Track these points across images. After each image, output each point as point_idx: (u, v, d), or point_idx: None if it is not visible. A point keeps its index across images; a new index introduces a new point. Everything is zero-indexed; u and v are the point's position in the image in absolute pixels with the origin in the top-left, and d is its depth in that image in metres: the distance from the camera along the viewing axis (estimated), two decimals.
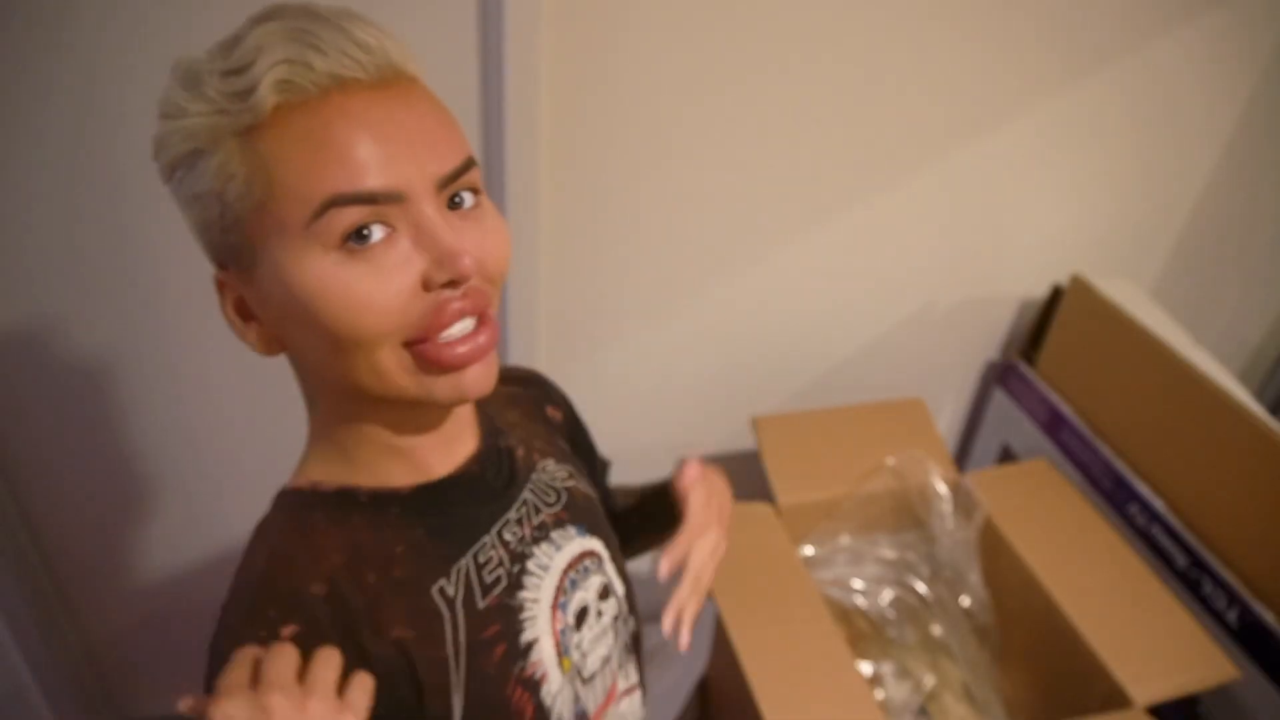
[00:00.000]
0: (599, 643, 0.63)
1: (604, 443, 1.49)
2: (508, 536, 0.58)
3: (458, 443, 0.58)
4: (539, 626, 0.57)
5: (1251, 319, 1.67)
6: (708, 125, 1.12)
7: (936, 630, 1.23)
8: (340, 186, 0.44)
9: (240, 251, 0.47)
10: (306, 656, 0.46)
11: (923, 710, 1.17)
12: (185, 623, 1.45)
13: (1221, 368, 1.24)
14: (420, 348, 0.47)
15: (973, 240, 1.36)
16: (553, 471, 0.65)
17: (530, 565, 0.58)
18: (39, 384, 1.15)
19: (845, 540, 1.25)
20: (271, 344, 0.51)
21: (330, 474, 0.55)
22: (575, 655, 0.60)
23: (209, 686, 0.46)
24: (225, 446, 1.27)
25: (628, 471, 1.45)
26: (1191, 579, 1.16)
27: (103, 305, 1.10)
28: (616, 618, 0.66)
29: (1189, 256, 1.49)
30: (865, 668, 1.19)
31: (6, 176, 0.99)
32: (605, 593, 0.65)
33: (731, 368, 1.38)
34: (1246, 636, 1.08)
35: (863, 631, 1.23)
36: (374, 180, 0.44)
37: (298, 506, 0.54)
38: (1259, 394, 1.64)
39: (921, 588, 1.25)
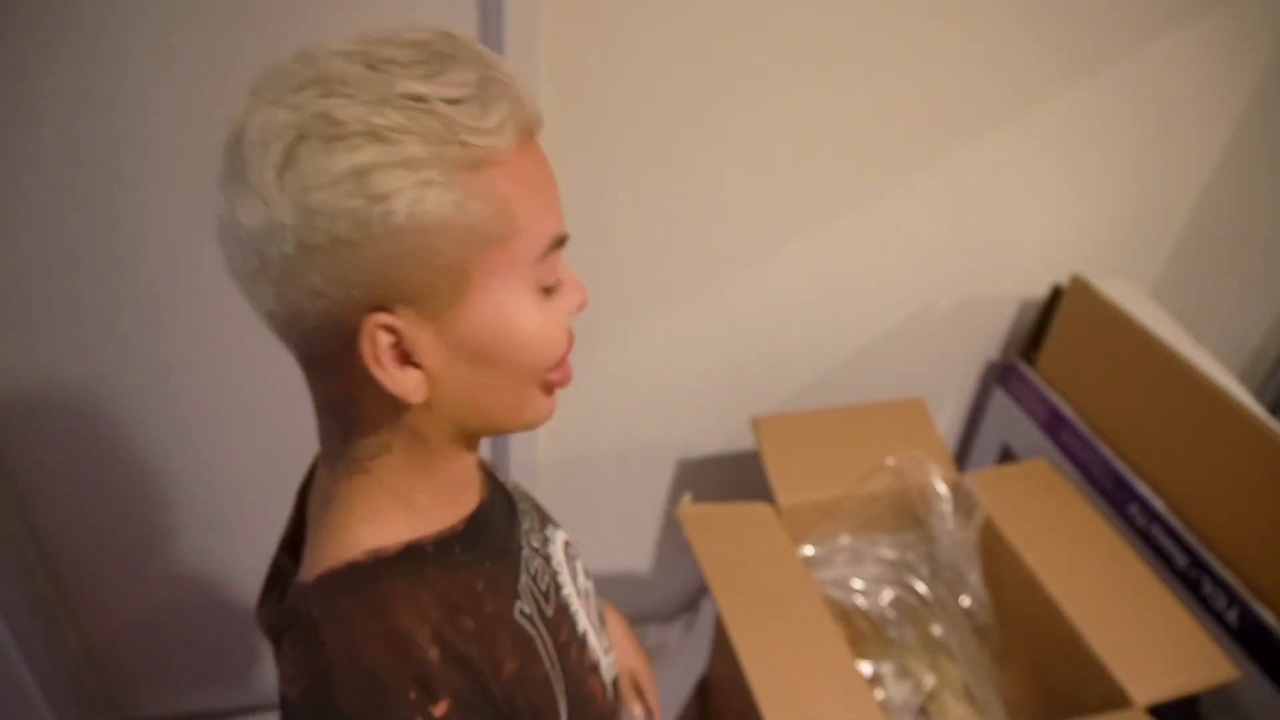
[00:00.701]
0: (595, 616, 0.67)
1: (604, 443, 1.50)
2: (534, 543, 0.60)
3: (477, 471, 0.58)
4: (581, 617, 0.61)
5: (1251, 319, 1.67)
6: (707, 126, 1.12)
7: (936, 630, 1.23)
8: (558, 229, 0.47)
9: (442, 290, 0.44)
10: None
11: (923, 710, 1.17)
12: (185, 623, 1.45)
13: (1221, 368, 1.24)
14: (551, 375, 0.51)
15: (973, 240, 1.36)
16: (504, 476, 0.67)
17: (553, 565, 0.61)
18: (38, 386, 1.15)
19: (845, 540, 1.25)
20: (422, 389, 0.46)
21: (388, 535, 0.51)
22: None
23: None
24: (225, 447, 1.27)
25: (628, 471, 1.45)
26: (1191, 579, 1.16)
27: (102, 307, 1.10)
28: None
29: (1189, 256, 1.49)
30: (865, 668, 1.19)
31: (4, 178, 0.99)
32: (586, 572, 0.68)
33: (731, 368, 1.38)
34: (1246, 636, 1.08)
35: (863, 631, 1.23)
36: (563, 223, 0.48)
37: (366, 581, 0.49)
38: (1259, 394, 1.64)
39: (921, 588, 1.25)
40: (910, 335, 1.44)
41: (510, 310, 0.46)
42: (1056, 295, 1.40)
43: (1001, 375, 1.50)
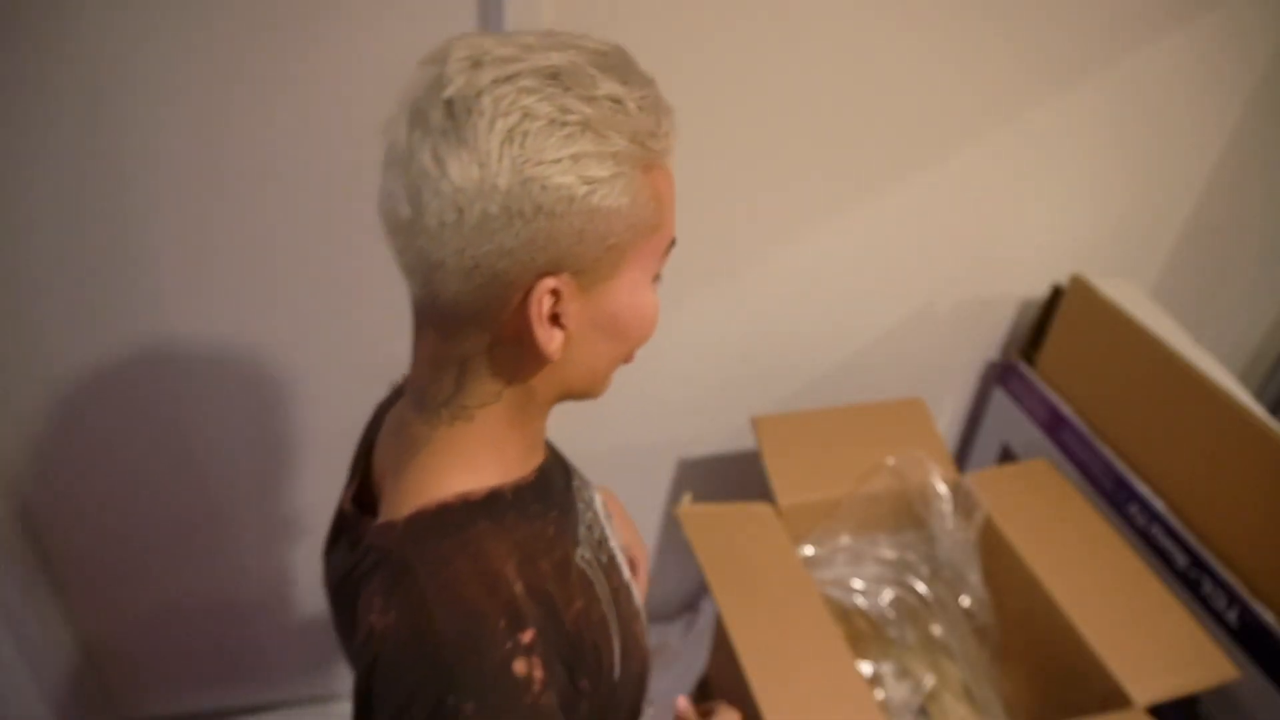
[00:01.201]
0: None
1: (604, 442, 1.50)
2: (587, 496, 0.66)
3: None
4: (625, 568, 0.66)
5: (1251, 319, 1.67)
6: (706, 126, 1.12)
7: (936, 630, 1.23)
8: (674, 231, 0.56)
9: (602, 267, 0.51)
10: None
11: (923, 710, 1.17)
12: (185, 623, 1.45)
13: (1221, 368, 1.24)
14: (633, 353, 0.59)
15: (973, 240, 1.36)
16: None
17: (600, 519, 0.67)
18: (37, 385, 1.15)
19: (845, 540, 1.25)
20: (560, 349, 0.52)
21: (477, 480, 0.55)
22: None
23: (490, 706, 0.48)
24: (226, 448, 1.27)
25: (628, 470, 1.45)
26: (1191, 579, 1.16)
27: (103, 306, 1.10)
28: None
29: (1189, 256, 1.49)
30: (865, 668, 1.19)
31: (9, 179, 0.99)
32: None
33: (731, 368, 1.38)
34: (1246, 636, 1.08)
35: (863, 631, 1.23)
36: None
37: (457, 521, 0.53)
38: (1259, 394, 1.64)
39: (921, 588, 1.25)
40: (910, 335, 1.44)
41: (640, 291, 0.54)
42: (1056, 295, 1.40)
43: (1001, 375, 1.50)
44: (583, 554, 0.60)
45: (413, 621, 0.49)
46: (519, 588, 0.52)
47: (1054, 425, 1.37)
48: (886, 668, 1.20)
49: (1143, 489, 1.22)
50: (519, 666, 0.49)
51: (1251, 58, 1.30)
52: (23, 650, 1.30)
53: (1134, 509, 1.24)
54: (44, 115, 0.95)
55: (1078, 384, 1.36)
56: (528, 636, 0.50)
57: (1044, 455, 1.38)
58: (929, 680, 1.19)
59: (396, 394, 0.69)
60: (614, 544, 0.67)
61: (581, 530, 0.62)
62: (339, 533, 0.63)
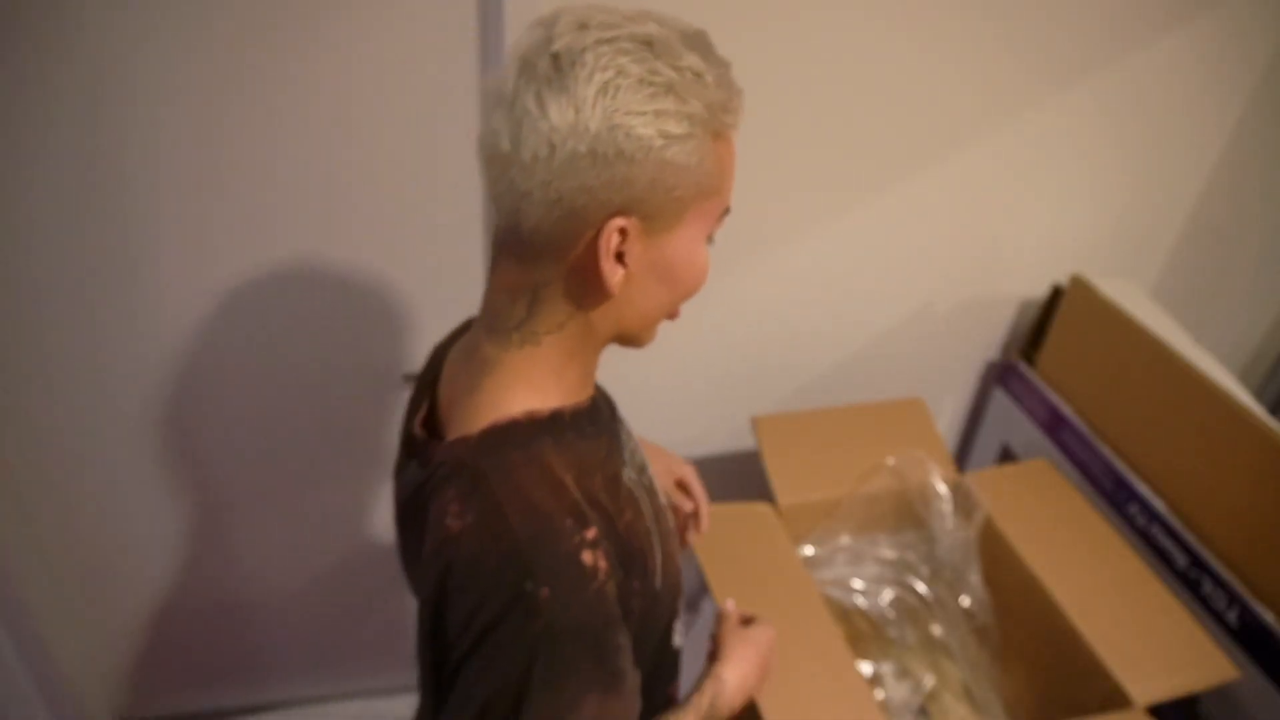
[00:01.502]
0: None
1: None
2: (627, 429, 0.74)
3: None
4: (661, 493, 0.74)
5: (1251, 319, 1.67)
6: None
7: (936, 630, 1.23)
8: (731, 200, 0.63)
9: (666, 216, 0.58)
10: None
11: (923, 710, 1.17)
12: (185, 623, 1.45)
13: (1221, 368, 1.24)
14: (678, 306, 0.65)
15: (973, 240, 1.36)
16: None
17: (638, 448, 0.74)
18: (37, 384, 1.15)
19: (845, 540, 1.25)
20: (620, 285, 0.59)
21: (541, 400, 0.62)
22: None
23: (561, 581, 0.55)
24: (227, 448, 1.27)
25: None
26: (1191, 579, 1.16)
27: (103, 306, 1.10)
28: None
29: (1189, 256, 1.49)
30: (865, 668, 1.19)
31: (10, 180, 0.99)
32: None
33: (731, 368, 1.38)
34: (1246, 636, 1.08)
35: (863, 631, 1.23)
36: None
37: (525, 435, 0.60)
38: (1259, 394, 1.64)
39: (921, 588, 1.25)
40: (910, 335, 1.44)
41: (695, 246, 0.61)
42: (1056, 295, 1.40)
43: (1001, 375, 1.50)
44: (629, 474, 0.66)
45: (490, 520, 0.56)
46: (579, 494, 0.59)
47: (1054, 425, 1.37)
48: (886, 668, 1.20)
49: (1143, 489, 1.22)
50: (586, 557, 0.56)
51: (1251, 58, 1.30)
52: (23, 650, 1.30)
53: (1134, 509, 1.24)
54: (44, 116, 0.95)
55: (1078, 384, 1.36)
56: (591, 533, 0.57)
57: (1044, 455, 1.38)
58: (929, 680, 1.19)
59: (453, 336, 0.76)
60: (651, 472, 0.74)
61: (626, 454, 0.69)
62: (409, 455, 0.69)
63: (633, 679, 0.59)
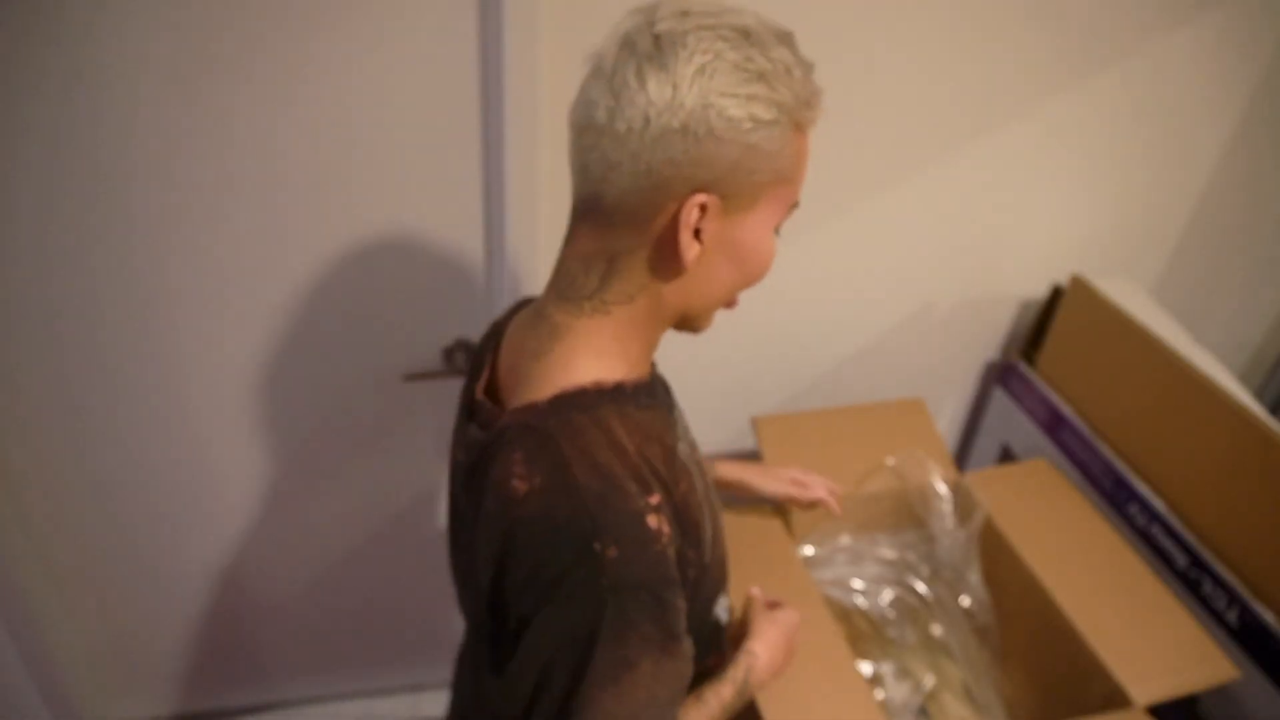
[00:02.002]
0: None
1: None
2: (680, 409, 0.75)
3: None
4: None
5: (1251, 319, 1.67)
6: None
7: (936, 630, 1.23)
8: (799, 195, 0.65)
9: (744, 198, 0.60)
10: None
11: (923, 710, 1.17)
12: (185, 623, 1.45)
13: (1221, 368, 1.24)
14: (738, 294, 0.67)
15: (973, 240, 1.36)
16: None
17: (688, 424, 0.75)
18: (37, 384, 1.15)
19: (845, 540, 1.25)
20: (694, 260, 0.61)
21: (607, 371, 0.64)
22: None
23: (626, 539, 0.57)
24: (227, 448, 1.27)
25: None
26: (1191, 579, 1.16)
27: (103, 303, 1.10)
28: None
29: (1189, 256, 1.49)
30: (865, 668, 1.19)
31: (11, 180, 0.99)
32: None
33: (732, 368, 1.39)
34: (1246, 636, 1.08)
35: (863, 631, 1.23)
36: None
37: (591, 402, 0.63)
38: (1259, 394, 1.64)
39: (921, 588, 1.25)
40: (910, 335, 1.44)
41: (765, 232, 0.63)
42: (1056, 295, 1.40)
43: (1001, 375, 1.50)
44: (683, 448, 0.68)
45: (559, 480, 0.58)
46: (638, 460, 0.61)
47: (1054, 425, 1.37)
48: (886, 668, 1.20)
49: (1143, 489, 1.22)
50: (651, 520, 0.59)
51: (1252, 58, 1.30)
52: (23, 650, 1.30)
53: (1134, 509, 1.24)
54: (44, 118, 0.96)
55: (1077, 384, 1.36)
56: (655, 499, 0.60)
57: (1044, 455, 1.38)
58: (929, 680, 1.19)
59: (512, 312, 0.78)
60: (699, 452, 0.76)
61: (680, 429, 0.71)
62: (469, 418, 0.71)
63: (687, 644, 0.61)
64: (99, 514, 1.29)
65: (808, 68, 0.60)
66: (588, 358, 0.64)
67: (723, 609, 0.77)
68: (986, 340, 1.51)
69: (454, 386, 1.30)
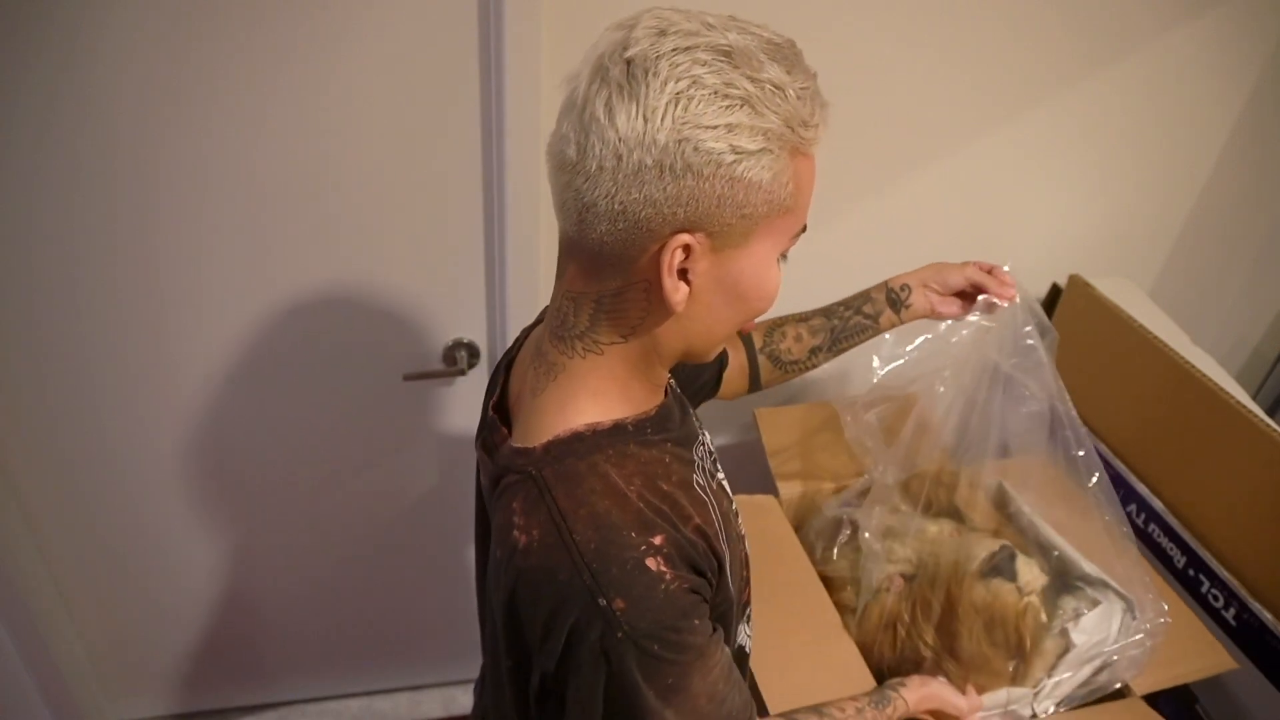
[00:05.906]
0: None
1: None
2: (704, 437, 0.72)
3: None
4: (730, 498, 0.74)
5: (1251, 319, 1.67)
6: None
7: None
8: (807, 219, 0.60)
9: (735, 233, 0.55)
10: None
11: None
12: (186, 623, 1.45)
13: (1220, 368, 1.25)
14: (750, 322, 0.63)
15: (972, 240, 1.37)
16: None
17: (710, 451, 0.73)
18: (38, 385, 1.15)
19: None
20: (684, 303, 0.57)
21: (604, 411, 0.61)
22: None
23: (622, 581, 0.55)
24: (227, 449, 1.27)
25: None
26: (1190, 578, 1.16)
27: (103, 304, 1.10)
28: None
29: (1188, 256, 1.49)
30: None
31: (10, 180, 0.99)
32: None
33: None
34: (1244, 635, 1.08)
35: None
36: None
37: (587, 447, 0.60)
38: (1258, 394, 1.64)
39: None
40: (910, 335, 1.44)
41: (765, 265, 0.58)
42: (1055, 295, 1.40)
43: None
44: (697, 479, 0.65)
45: (554, 537, 0.56)
46: (642, 504, 0.58)
47: (1053, 425, 1.37)
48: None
49: (1142, 489, 1.22)
50: (650, 563, 0.56)
51: (1251, 57, 1.30)
52: (24, 650, 1.30)
53: (1133, 508, 1.24)
54: (43, 120, 0.96)
55: (1076, 384, 1.35)
56: (658, 538, 0.57)
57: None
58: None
59: (539, 321, 0.75)
60: (722, 476, 0.74)
61: (696, 459, 0.68)
62: (480, 430, 0.71)
63: (718, 635, 0.61)
64: (99, 515, 1.29)
65: (807, 82, 0.55)
66: (583, 399, 0.61)
67: (745, 635, 0.75)
68: None
69: (454, 386, 1.30)
